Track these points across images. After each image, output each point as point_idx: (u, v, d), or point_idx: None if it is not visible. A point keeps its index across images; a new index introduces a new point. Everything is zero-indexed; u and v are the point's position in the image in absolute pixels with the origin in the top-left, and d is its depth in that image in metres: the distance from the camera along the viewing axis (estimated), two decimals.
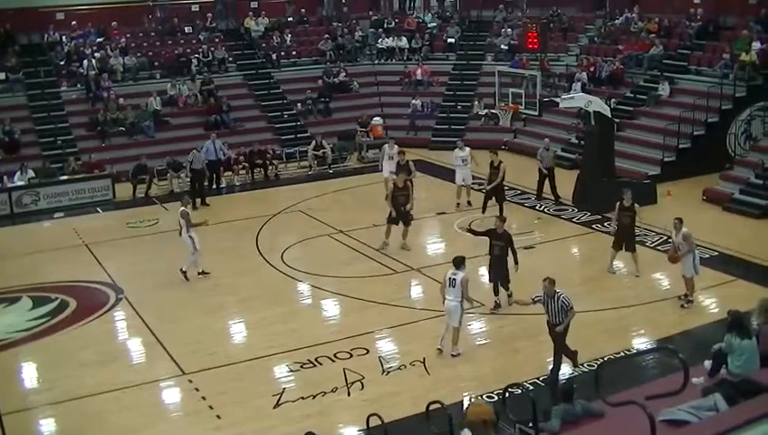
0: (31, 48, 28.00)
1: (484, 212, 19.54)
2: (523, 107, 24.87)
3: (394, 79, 30.53)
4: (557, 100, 23.64)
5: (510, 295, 14.43)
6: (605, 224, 19.07)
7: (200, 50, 29.10)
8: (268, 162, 24.72)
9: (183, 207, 16.85)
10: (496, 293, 14.63)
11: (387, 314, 14.38)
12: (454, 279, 12.58)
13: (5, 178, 22.46)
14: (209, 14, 30.98)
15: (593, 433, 7.71)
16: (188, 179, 22.56)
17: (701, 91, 23.51)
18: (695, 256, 14.47)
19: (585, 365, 12.34)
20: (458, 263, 12.80)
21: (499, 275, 14.58)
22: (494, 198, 19.66)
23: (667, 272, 16.59)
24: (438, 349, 12.94)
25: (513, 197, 21.82)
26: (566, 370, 12.41)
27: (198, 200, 21.70)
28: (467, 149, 21.31)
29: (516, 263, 14.45)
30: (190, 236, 16.46)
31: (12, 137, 24.44)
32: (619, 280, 16.76)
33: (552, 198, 20.91)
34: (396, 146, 21.40)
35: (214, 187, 23.63)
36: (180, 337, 14.00)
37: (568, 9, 31.64)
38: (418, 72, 29.95)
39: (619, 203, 16.12)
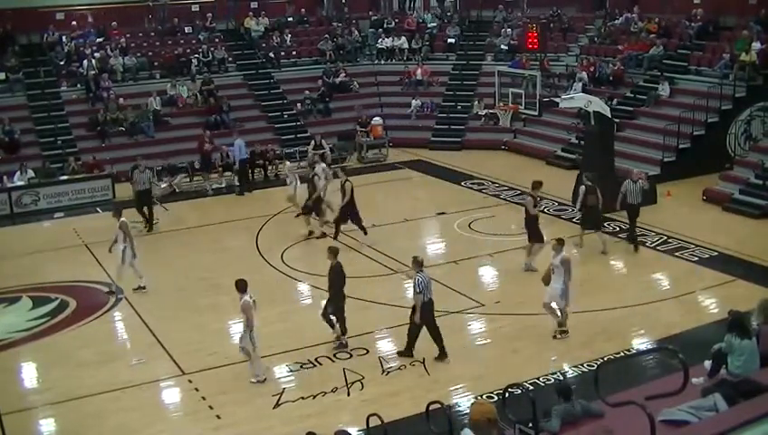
0: (31, 48, 28.00)
1: (336, 238, 18.14)
2: (522, 107, 24.88)
3: (394, 79, 30.53)
4: (557, 100, 23.66)
5: (337, 337, 13.35)
6: (605, 224, 19.07)
7: (200, 50, 29.09)
8: (268, 162, 24.73)
9: (123, 218, 16.00)
10: (333, 326, 13.36)
11: (387, 314, 14.37)
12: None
13: (5, 178, 22.46)
14: (209, 14, 30.96)
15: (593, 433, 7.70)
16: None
17: (701, 92, 23.52)
18: (566, 285, 13.24)
19: (585, 365, 12.36)
20: (245, 286, 12.20)
21: (331, 310, 13.32)
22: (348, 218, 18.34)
23: (666, 272, 16.63)
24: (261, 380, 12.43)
25: (514, 197, 21.84)
26: (565, 369, 12.43)
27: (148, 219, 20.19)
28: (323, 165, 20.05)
29: (325, 308, 13.31)
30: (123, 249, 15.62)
31: (12, 137, 24.43)
32: (619, 280, 16.81)
33: (631, 242, 17.62)
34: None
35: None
36: (180, 337, 13.99)
37: (568, 9, 31.65)
38: (418, 72, 29.96)
39: (584, 187, 16.76)
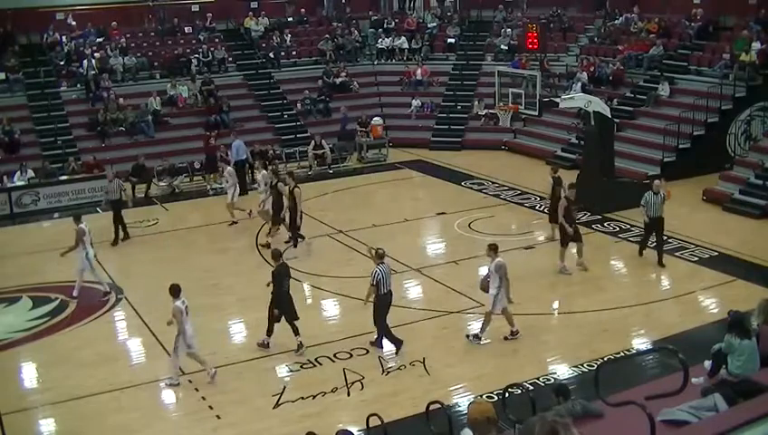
0: (31, 48, 27.99)
1: (296, 246, 17.78)
2: (522, 107, 24.86)
3: (394, 79, 30.53)
4: (557, 100, 23.64)
5: (264, 343, 13.44)
6: (605, 224, 19.10)
7: (200, 50, 29.10)
8: (268, 162, 24.68)
9: (81, 225, 15.86)
10: (271, 331, 13.38)
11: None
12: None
13: (5, 178, 22.47)
14: (209, 14, 30.97)
15: (593, 433, 7.70)
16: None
17: (701, 92, 23.52)
18: (499, 292, 13.14)
19: (585, 365, 12.37)
20: (178, 292, 12.26)
21: (277, 312, 13.29)
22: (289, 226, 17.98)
23: (666, 272, 16.62)
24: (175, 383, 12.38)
25: (513, 196, 21.85)
26: (565, 369, 12.44)
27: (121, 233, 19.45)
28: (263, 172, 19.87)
29: (273, 312, 13.17)
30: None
31: (12, 137, 24.42)
32: (619, 280, 16.82)
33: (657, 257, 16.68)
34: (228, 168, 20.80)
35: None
36: None
37: (568, 9, 31.64)
38: (418, 72, 29.95)
39: (566, 201, 16.45)
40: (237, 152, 23.25)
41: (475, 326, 13.96)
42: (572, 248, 17.12)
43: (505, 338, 13.48)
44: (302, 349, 13.21)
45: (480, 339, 13.41)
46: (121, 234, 19.25)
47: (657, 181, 17.07)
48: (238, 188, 20.35)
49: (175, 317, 12.13)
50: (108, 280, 16.69)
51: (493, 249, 13.23)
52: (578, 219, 17.29)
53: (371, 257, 13.42)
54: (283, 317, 13.20)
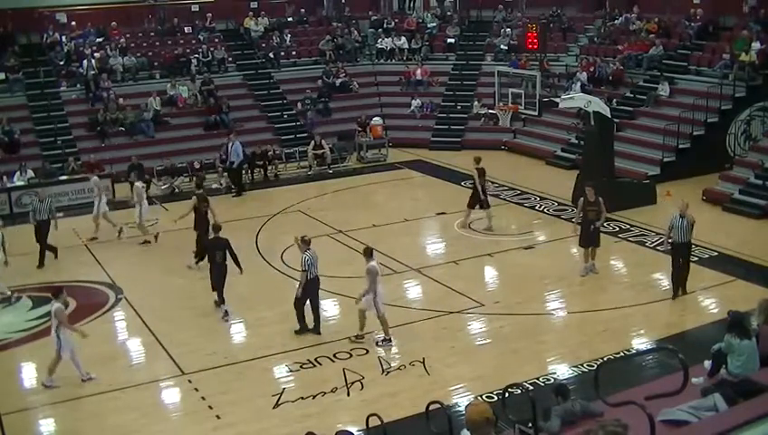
0: (31, 48, 27.98)
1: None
2: (522, 107, 24.87)
3: (394, 79, 30.53)
4: (557, 100, 23.64)
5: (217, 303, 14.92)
6: (604, 224, 19.05)
7: (200, 50, 29.09)
8: (268, 162, 24.73)
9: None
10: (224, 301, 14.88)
11: (387, 314, 14.35)
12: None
13: (5, 178, 22.45)
14: (209, 14, 30.97)
15: None
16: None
17: (701, 92, 23.51)
18: (376, 293, 13.20)
19: (585, 365, 12.37)
20: (55, 294, 12.42)
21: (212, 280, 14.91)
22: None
23: (666, 272, 16.59)
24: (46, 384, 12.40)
25: (513, 196, 21.84)
26: (565, 369, 12.44)
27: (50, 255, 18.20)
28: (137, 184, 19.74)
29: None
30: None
31: (12, 137, 24.40)
32: (618, 280, 16.79)
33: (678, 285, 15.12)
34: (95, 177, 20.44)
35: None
36: (180, 337, 13.99)
37: (568, 9, 31.63)
38: (418, 72, 29.95)
39: (582, 199, 16.16)
40: (236, 153, 23.25)
41: (476, 327, 13.98)
42: (573, 248, 17.13)
43: (377, 344, 13.44)
44: (227, 316, 14.50)
45: (390, 341, 13.45)
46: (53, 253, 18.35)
47: (682, 202, 15.07)
48: (105, 198, 19.82)
49: (56, 317, 12.29)
50: (107, 280, 16.70)
51: (367, 253, 13.41)
52: (600, 221, 16.18)
53: (298, 245, 13.76)
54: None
